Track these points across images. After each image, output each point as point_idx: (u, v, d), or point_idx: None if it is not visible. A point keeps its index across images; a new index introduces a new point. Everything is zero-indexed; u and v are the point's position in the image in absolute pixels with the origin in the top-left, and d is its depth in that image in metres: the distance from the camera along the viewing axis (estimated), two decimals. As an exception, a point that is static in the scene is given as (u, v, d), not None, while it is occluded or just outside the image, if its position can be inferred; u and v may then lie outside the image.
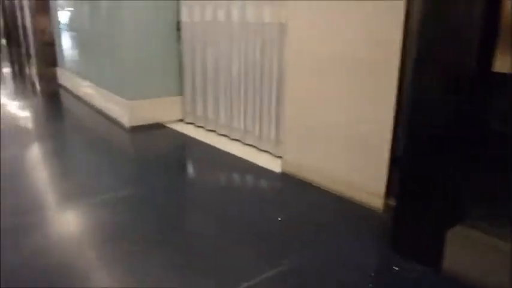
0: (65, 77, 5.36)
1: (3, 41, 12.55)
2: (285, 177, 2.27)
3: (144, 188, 2.16)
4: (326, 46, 1.95)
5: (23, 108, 4.54)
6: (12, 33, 10.28)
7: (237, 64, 2.71)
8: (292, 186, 2.18)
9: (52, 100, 5.13)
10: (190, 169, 2.61)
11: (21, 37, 8.89)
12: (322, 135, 2.05)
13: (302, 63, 2.09)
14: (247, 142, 2.75)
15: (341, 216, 1.86)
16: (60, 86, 5.46)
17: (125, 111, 3.27)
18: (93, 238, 1.67)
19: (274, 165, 2.40)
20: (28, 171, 2.46)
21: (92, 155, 2.80)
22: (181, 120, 3.39)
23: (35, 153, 2.90)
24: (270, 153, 2.57)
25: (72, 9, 4.71)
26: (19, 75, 7.77)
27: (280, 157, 2.46)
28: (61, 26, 5.28)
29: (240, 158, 2.57)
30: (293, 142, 2.23)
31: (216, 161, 2.62)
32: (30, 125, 3.82)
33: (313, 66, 2.03)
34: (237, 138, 2.83)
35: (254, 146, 2.70)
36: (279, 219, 1.81)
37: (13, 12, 9.57)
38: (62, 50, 5.44)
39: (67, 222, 1.85)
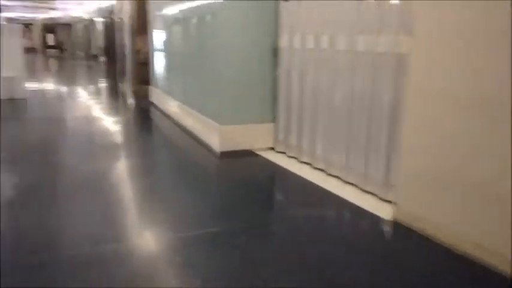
0: (157, 96, 5.51)
1: (102, 59, 13.57)
2: (397, 227, 1.97)
3: (233, 224, 2.01)
4: (461, 82, 1.66)
5: (114, 123, 4.70)
6: (110, 51, 11.06)
7: (341, 95, 2.49)
8: (407, 239, 1.88)
9: (142, 118, 5.29)
10: (283, 205, 2.42)
11: (118, 55, 9.47)
12: (448, 183, 1.74)
13: (428, 99, 1.81)
14: (348, 180, 2.50)
15: (473, 285, 1.54)
16: (152, 104, 5.63)
17: (216, 135, 3.19)
18: (176, 277, 1.52)
19: (382, 211, 2.12)
20: (113, 192, 2.44)
21: (180, 179, 2.72)
22: (272, 149, 3.23)
23: (122, 172, 2.90)
24: (376, 196, 2.29)
25: (167, 30, 4.84)
26: (113, 91, 8.23)
27: (388, 201, 2.18)
28: (156, 47, 5.47)
29: (340, 197, 2.32)
30: (410, 187, 1.95)
31: (311, 198, 2.40)
32: (119, 141, 3.90)
33: (442, 104, 1.75)
34: (336, 174, 2.59)
35: (356, 186, 2.44)
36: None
37: (113, 32, 10.28)
38: (155, 70, 5.62)
39: (149, 257, 1.73)
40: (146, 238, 1.92)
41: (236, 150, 3.16)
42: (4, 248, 1.73)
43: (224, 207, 2.24)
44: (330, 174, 2.65)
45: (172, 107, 4.63)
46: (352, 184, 2.47)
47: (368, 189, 2.35)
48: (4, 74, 5.68)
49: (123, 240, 1.83)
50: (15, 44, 5.88)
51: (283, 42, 2.99)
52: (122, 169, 2.98)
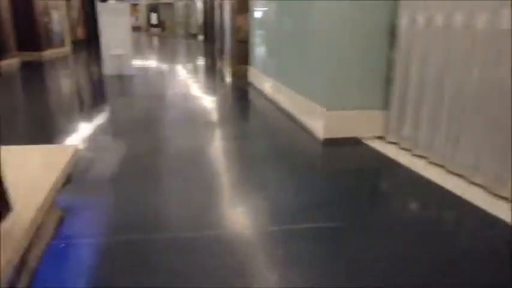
0: (256, 76, 5.44)
1: (201, 37, 13.97)
2: (543, 244, 1.65)
3: (337, 219, 1.84)
4: None
5: (212, 102, 4.72)
6: (209, 30, 11.29)
7: (475, 82, 2.14)
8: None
9: (240, 98, 5.26)
10: (394, 202, 2.17)
11: (217, 34, 9.61)
12: None
13: None
14: (474, 180, 2.17)
15: None
16: (250, 84, 5.57)
17: (320, 120, 3.00)
18: (278, 272, 1.39)
19: (521, 221, 1.79)
20: (212, 173, 2.40)
21: (280, 165, 2.59)
22: (380, 138, 2.96)
23: (220, 154, 2.85)
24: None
25: (269, 7, 4.69)
26: (211, 69, 8.38)
27: (530, 211, 1.84)
28: (257, 25, 5.36)
29: (462, 199, 2.02)
30: None
31: (427, 197, 2.13)
32: (217, 121, 3.89)
33: None
34: (459, 172, 2.27)
35: (484, 188, 2.11)
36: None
37: (212, 10, 10.45)
38: (255, 49, 5.53)
39: (250, 248, 1.61)
40: (246, 227, 1.83)
41: (341, 137, 2.96)
42: (105, 225, 1.76)
43: (327, 200, 2.07)
44: (450, 172, 2.33)
45: (271, 88, 4.52)
46: (479, 185, 2.14)
47: (501, 193, 2.01)
48: (114, 51, 6.02)
49: (222, 228, 1.76)
50: (124, 23, 6.20)
51: (404, 18, 2.67)
52: (220, 150, 2.94)
